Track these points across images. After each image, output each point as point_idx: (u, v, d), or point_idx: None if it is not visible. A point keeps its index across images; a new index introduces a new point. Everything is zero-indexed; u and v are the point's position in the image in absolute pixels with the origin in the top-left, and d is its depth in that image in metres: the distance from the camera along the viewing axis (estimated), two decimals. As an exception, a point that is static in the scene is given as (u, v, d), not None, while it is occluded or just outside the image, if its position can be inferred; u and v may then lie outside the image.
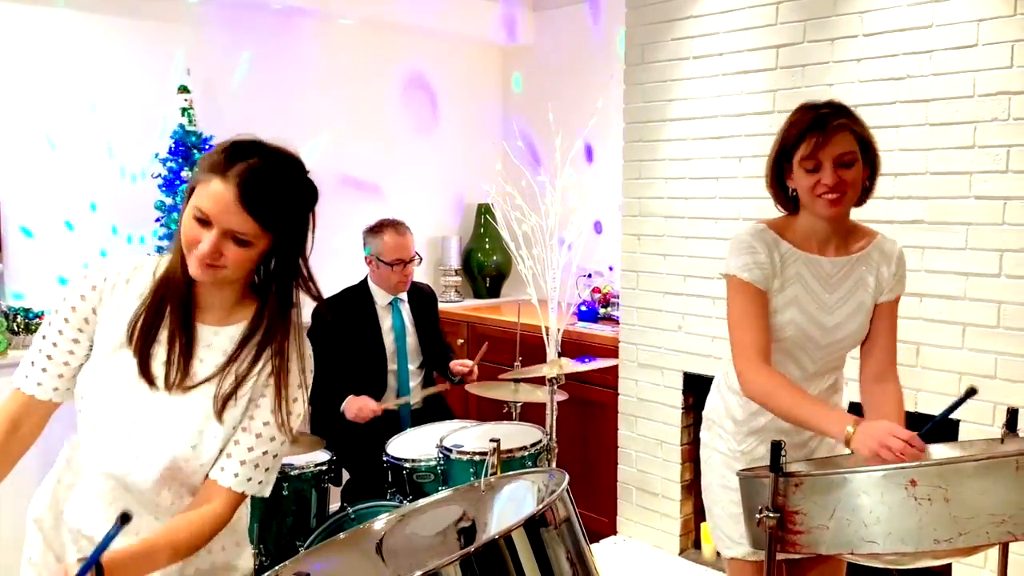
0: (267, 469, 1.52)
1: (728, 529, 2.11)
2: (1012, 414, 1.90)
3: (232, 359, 1.49)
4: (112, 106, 3.55)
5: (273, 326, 1.51)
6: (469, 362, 3.45)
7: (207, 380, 1.48)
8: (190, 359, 1.49)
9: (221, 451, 1.49)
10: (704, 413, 2.24)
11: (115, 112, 3.56)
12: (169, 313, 1.48)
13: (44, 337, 1.51)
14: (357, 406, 3.15)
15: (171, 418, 1.47)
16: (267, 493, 1.54)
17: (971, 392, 1.85)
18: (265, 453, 1.51)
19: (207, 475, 1.50)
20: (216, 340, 1.51)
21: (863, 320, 2.03)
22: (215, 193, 1.39)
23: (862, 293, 2.02)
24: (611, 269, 4.28)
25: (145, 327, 1.47)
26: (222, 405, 1.47)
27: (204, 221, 1.40)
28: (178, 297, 1.48)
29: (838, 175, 1.90)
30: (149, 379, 1.46)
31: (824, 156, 1.89)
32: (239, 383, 1.48)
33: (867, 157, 1.95)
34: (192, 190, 1.43)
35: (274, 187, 1.41)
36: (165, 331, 1.48)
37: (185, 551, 1.44)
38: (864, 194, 2.00)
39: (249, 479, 1.50)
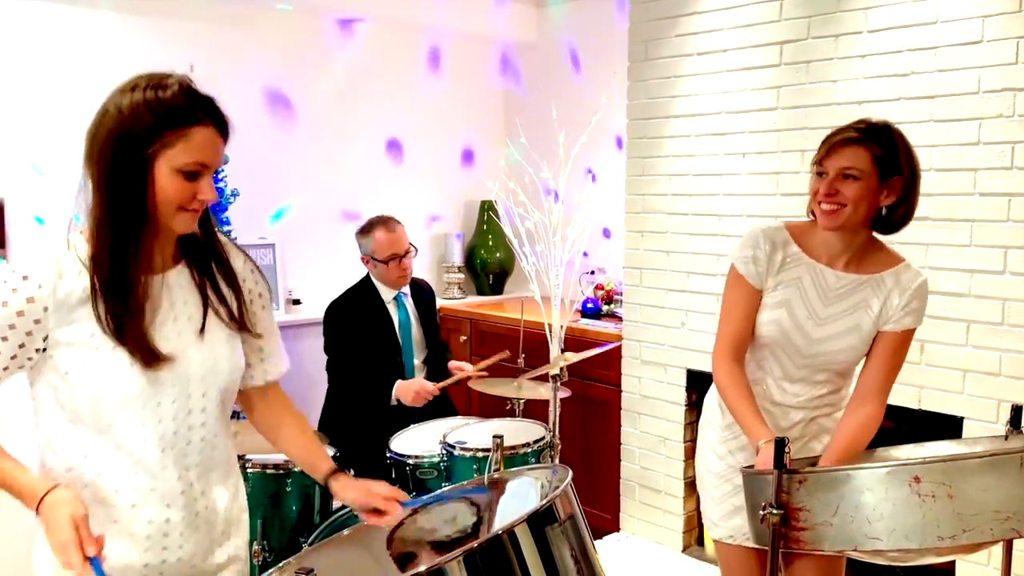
0: (281, 346, 1.73)
1: (709, 511, 2.17)
2: (1016, 411, 1.90)
3: (192, 290, 1.52)
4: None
5: (210, 246, 1.56)
6: (467, 365, 3.45)
7: (210, 316, 1.53)
8: (158, 318, 1.48)
9: (251, 362, 1.64)
10: (704, 402, 2.30)
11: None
12: (125, 293, 1.42)
13: None
14: (414, 389, 3.19)
15: (206, 362, 1.51)
16: (288, 365, 1.74)
17: None
18: (276, 333, 1.70)
19: (255, 385, 1.68)
20: (170, 283, 1.50)
21: (856, 343, 1.97)
22: (205, 140, 1.40)
23: (862, 315, 1.97)
24: (618, 270, 4.27)
25: (116, 320, 1.42)
26: (240, 322, 1.56)
27: (195, 173, 1.40)
28: (133, 274, 1.43)
29: (835, 186, 1.89)
30: (149, 363, 1.45)
31: (829, 165, 1.90)
32: (227, 297, 1.55)
33: (894, 183, 1.90)
34: (142, 157, 1.37)
35: (220, 108, 1.44)
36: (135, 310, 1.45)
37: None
38: (890, 223, 1.96)
39: (282, 363, 1.72)
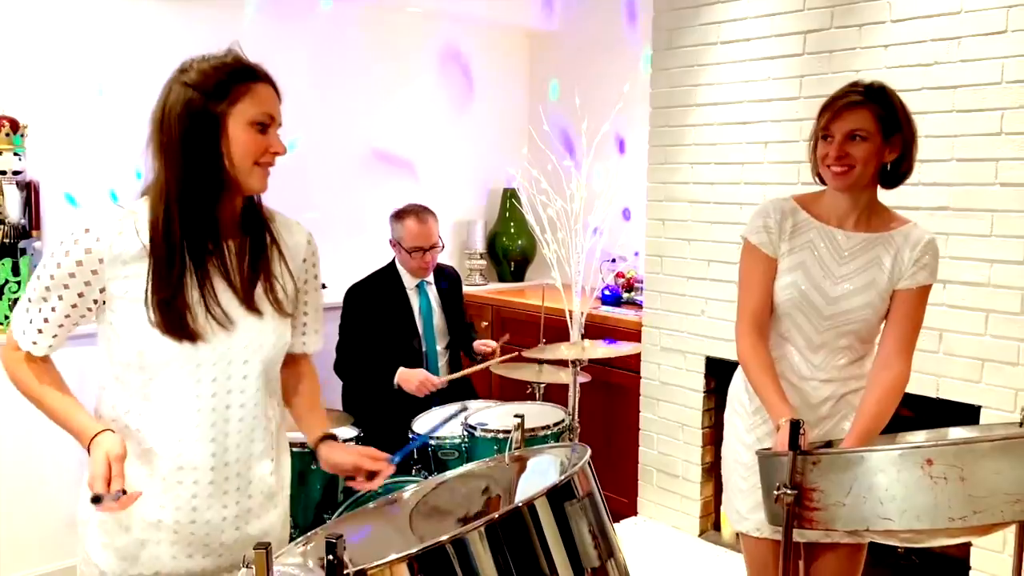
0: (322, 324, 1.83)
1: (737, 503, 2.18)
2: (1032, 398, 1.93)
3: (243, 264, 1.59)
4: (151, 87, 3.62)
5: (264, 221, 1.65)
6: (492, 343, 3.51)
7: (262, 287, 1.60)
8: (213, 289, 1.55)
9: (294, 332, 1.72)
10: (730, 390, 2.30)
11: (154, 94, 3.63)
12: (186, 269, 1.51)
13: (43, 300, 1.53)
14: (418, 379, 3.23)
15: (251, 335, 1.59)
16: (323, 342, 1.85)
17: None
18: (322, 314, 1.81)
19: (294, 352, 1.76)
20: (230, 255, 1.58)
21: (873, 299, 2.02)
22: (268, 95, 1.53)
23: (876, 271, 2.03)
24: (636, 255, 4.30)
25: (170, 302, 1.49)
26: (288, 302, 1.64)
27: (265, 126, 1.52)
28: (202, 247, 1.52)
29: (844, 148, 1.95)
30: (195, 339, 1.52)
31: (836, 129, 1.96)
32: (265, 280, 1.61)
33: (895, 140, 1.98)
34: (218, 117, 1.48)
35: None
36: (195, 277, 1.52)
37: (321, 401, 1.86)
38: (892, 178, 2.04)
39: (319, 340, 1.83)
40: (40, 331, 1.55)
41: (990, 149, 2.72)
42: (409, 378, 3.25)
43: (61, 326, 1.55)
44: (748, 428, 2.16)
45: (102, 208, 1.58)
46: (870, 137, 1.95)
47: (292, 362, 1.79)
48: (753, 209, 2.16)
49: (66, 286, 1.51)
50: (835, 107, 1.96)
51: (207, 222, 1.52)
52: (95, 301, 1.54)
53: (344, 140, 4.34)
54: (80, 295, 1.52)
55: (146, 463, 1.55)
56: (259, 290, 1.60)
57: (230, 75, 1.49)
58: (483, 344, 3.52)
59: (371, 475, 1.71)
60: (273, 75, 1.57)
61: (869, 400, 1.99)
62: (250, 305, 1.58)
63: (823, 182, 2.08)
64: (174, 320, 1.50)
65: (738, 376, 2.24)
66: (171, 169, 1.49)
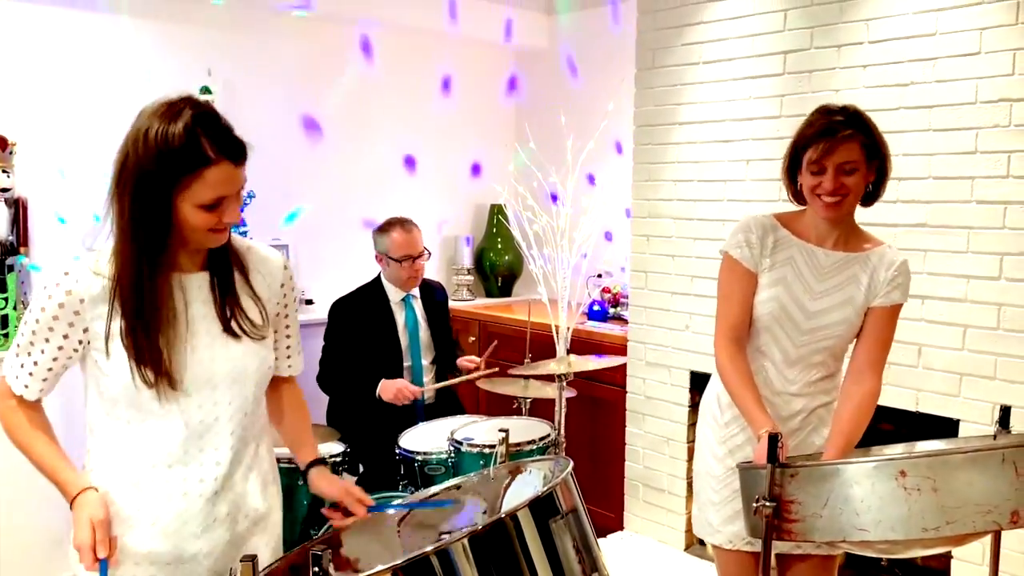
0: (301, 348, 1.86)
1: (710, 515, 2.21)
2: (1005, 411, 1.97)
3: (215, 292, 1.60)
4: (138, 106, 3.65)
5: (233, 250, 1.64)
6: (476, 359, 3.54)
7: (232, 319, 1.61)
8: (189, 321, 1.57)
9: (278, 356, 1.76)
10: (701, 403, 2.33)
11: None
12: (151, 314, 1.51)
13: (31, 346, 1.55)
14: (395, 388, 3.26)
15: (234, 367, 1.61)
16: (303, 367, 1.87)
17: None
18: (299, 339, 1.84)
19: (279, 376, 1.78)
20: (202, 283, 1.59)
21: (850, 315, 2.08)
22: (220, 176, 1.45)
23: (853, 289, 2.08)
24: (623, 270, 4.34)
25: (137, 333, 1.50)
26: (260, 331, 1.64)
27: (216, 205, 1.47)
28: (162, 296, 1.52)
29: (839, 181, 2.00)
30: (163, 377, 1.53)
31: (829, 162, 1.99)
32: (240, 301, 1.62)
33: (874, 164, 2.04)
34: (168, 194, 1.44)
35: (232, 134, 1.49)
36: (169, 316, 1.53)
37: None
38: (870, 198, 2.10)
39: (300, 363, 1.85)
40: (31, 375, 1.58)
41: (966, 167, 2.78)
42: (388, 387, 3.28)
43: (50, 369, 1.58)
44: (720, 440, 2.20)
45: (61, 248, 1.60)
46: (859, 167, 2.00)
47: (278, 385, 1.81)
48: (728, 226, 2.21)
49: (51, 329, 1.53)
50: (827, 142, 1.98)
51: (157, 269, 1.51)
52: (80, 342, 1.55)
53: (328, 156, 4.38)
54: (65, 336, 1.54)
55: (137, 493, 1.57)
56: (234, 319, 1.61)
57: (177, 163, 1.43)
58: (467, 360, 3.55)
59: (348, 512, 1.73)
60: (233, 137, 1.48)
61: (845, 415, 2.04)
62: (230, 333, 1.60)
63: (800, 203, 2.14)
64: (157, 368, 1.52)
65: (710, 389, 2.28)
66: (124, 231, 1.48)
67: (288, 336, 1.79)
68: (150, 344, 1.50)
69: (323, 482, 1.77)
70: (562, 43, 4.83)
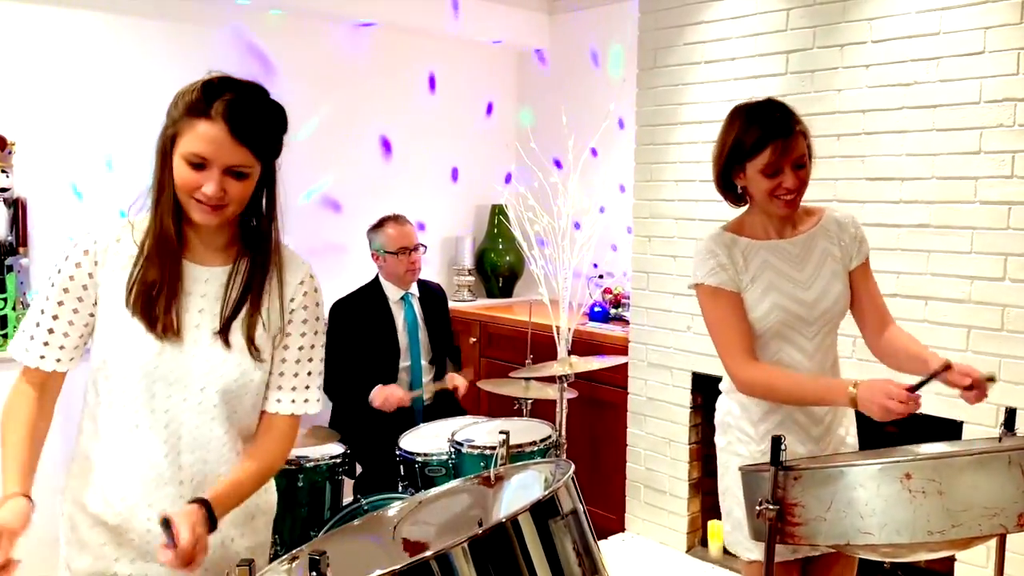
0: (315, 387, 1.67)
1: (744, 532, 2.11)
2: (1010, 413, 1.95)
3: (229, 293, 1.57)
4: (139, 106, 3.64)
5: (264, 252, 1.59)
6: (462, 383, 3.50)
7: (230, 319, 1.56)
8: (185, 302, 1.55)
9: (268, 384, 1.63)
10: (718, 419, 2.24)
11: (149, 117, 3.64)
12: (159, 264, 1.52)
13: (43, 311, 1.54)
14: (384, 395, 3.25)
15: (211, 361, 1.56)
16: (318, 410, 1.68)
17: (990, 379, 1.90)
18: (309, 374, 1.65)
19: (264, 410, 1.64)
20: (212, 278, 1.57)
21: (842, 288, 2.09)
22: (206, 134, 1.44)
23: (832, 263, 2.09)
24: (625, 275, 4.33)
25: (145, 286, 1.51)
26: (250, 338, 1.57)
27: (199, 165, 1.45)
28: (168, 248, 1.52)
29: (797, 176, 1.99)
30: (165, 331, 1.52)
31: (785, 162, 1.97)
32: (248, 313, 1.57)
33: (808, 151, 2.05)
34: (171, 139, 1.47)
35: (256, 114, 1.47)
36: (163, 283, 1.53)
37: (266, 477, 1.62)
38: None
39: (306, 400, 1.66)
40: (46, 344, 1.54)
41: (970, 167, 2.76)
42: (379, 392, 3.28)
43: (66, 335, 1.54)
44: (754, 456, 2.10)
45: (107, 222, 1.60)
46: (808, 160, 2.02)
47: (263, 421, 1.66)
48: (695, 248, 2.16)
49: (66, 290, 1.53)
50: (783, 142, 1.96)
51: (170, 236, 1.52)
52: (95, 305, 1.54)
53: (321, 160, 4.37)
54: (80, 299, 1.53)
55: (111, 466, 1.56)
56: (238, 320, 1.56)
57: (182, 107, 1.47)
58: (452, 379, 3.52)
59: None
60: (251, 117, 1.46)
61: (908, 339, 2.07)
62: (222, 332, 1.55)
63: (738, 205, 2.14)
64: (147, 306, 1.51)
65: (733, 404, 2.17)
66: (152, 178, 1.52)
67: (284, 361, 1.63)
68: (157, 303, 1.51)
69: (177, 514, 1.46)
70: (564, 42, 4.81)
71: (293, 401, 1.65)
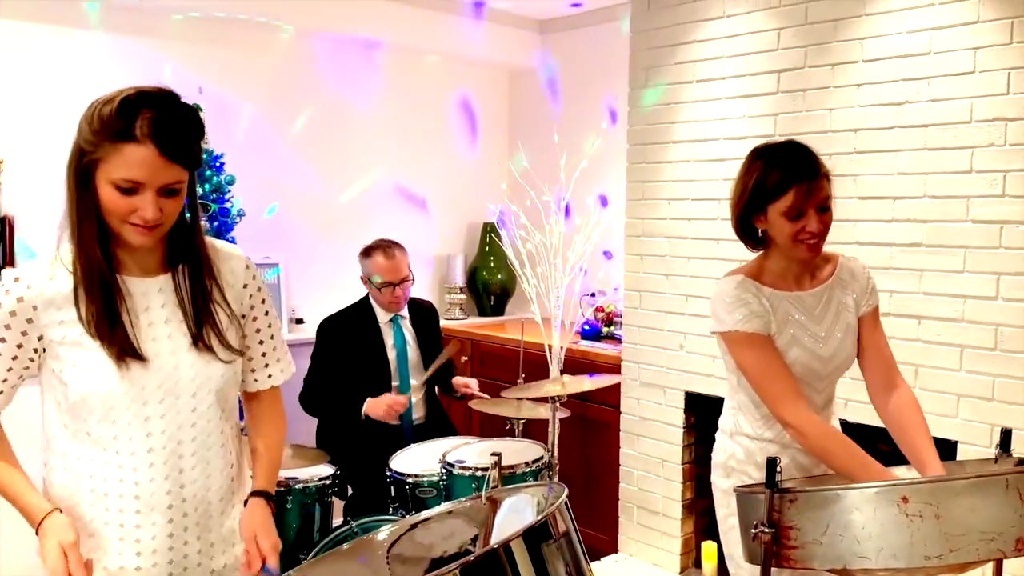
0: (285, 352, 1.75)
1: (741, 557, 2.11)
2: (1006, 435, 1.94)
3: (183, 299, 1.55)
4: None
5: (199, 253, 1.57)
6: (472, 381, 3.50)
7: (196, 326, 1.55)
8: (147, 316, 1.52)
9: (252, 367, 1.69)
10: (718, 461, 2.19)
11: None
12: (100, 295, 1.47)
13: None
14: (386, 403, 3.21)
15: (197, 371, 1.55)
16: (293, 370, 1.78)
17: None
18: (279, 344, 1.73)
19: (255, 390, 1.72)
20: (162, 287, 1.54)
21: (852, 341, 2.08)
22: (136, 158, 1.37)
23: (846, 316, 2.06)
24: (616, 290, 4.32)
25: (97, 317, 1.47)
26: (217, 337, 1.57)
27: (131, 189, 1.40)
28: (101, 279, 1.47)
29: (821, 220, 1.95)
30: (133, 352, 1.49)
31: (809, 205, 1.93)
32: (213, 312, 1.57)
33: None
34: (91, 164, 1.40)
35: (180, 127, 1.41)
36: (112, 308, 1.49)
37: (283, 444, 1.78)
38: None
39: (282, 370, 1.75)
40: None
41: (961, 187, 2.76)
42: (377, 405, 3.23)
43: (4, 380, 1.51)
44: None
45: (34, 259, 1.54)
46: (830, 200, 1.98)
47: (255, 399, 1.75)
48: (730, 245, 2.18)
49: (2, 339, 1.48)
50: (808, 184, 1.91)
51: (114, 257, 1.48)
52: (35, 351, 1.50)
53: (326, 179, 4.35)
54: (19, 346, 1.49)
55: (103, 510, 1.53)
56: (209, 322, 1.56)
57: (101, 130, 1.39)
58: (463, 383, 3.51)
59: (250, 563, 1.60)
60: (177, 133, 1.41)
61: (919, 428, 1.97)
62: (194, 337, 1.54)
63: (757, 249, 2.08)
64: (110, 346, 1.47)
65: (732, 446, 2.14)
66: (67, 210, 1.47)
67: (261, 343, 1.69)
68: (113, 329, 1.47)
69: (244, 515, 1.63)
70: (555, 61, 4.83)
71: (281, 371, 1.75)
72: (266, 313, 1.69)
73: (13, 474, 1.52)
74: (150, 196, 1.41)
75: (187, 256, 1.56)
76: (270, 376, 1.73)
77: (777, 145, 2.03)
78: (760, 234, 2.04)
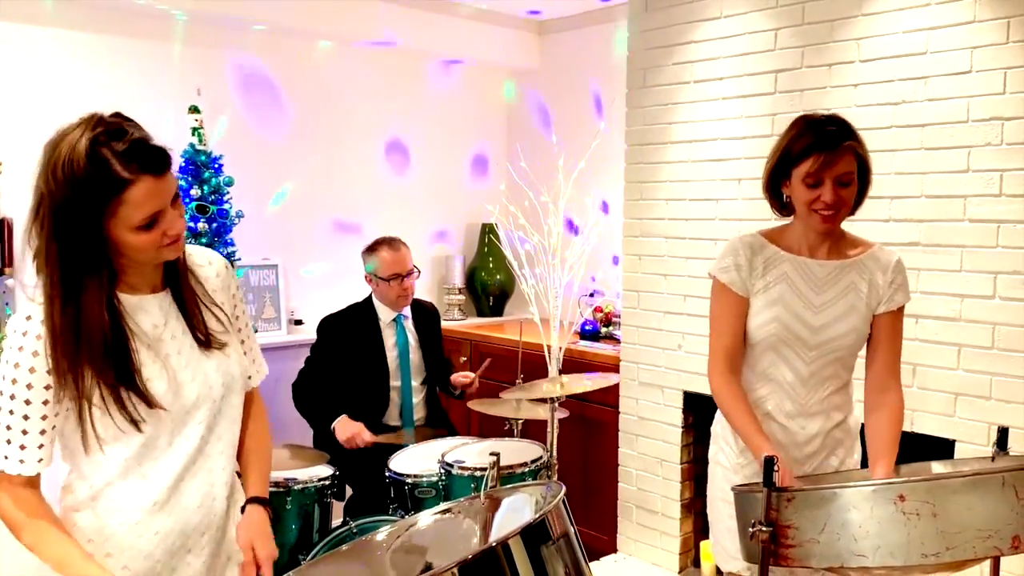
0: (258, 350, 1.76)
1: (726, 543, 2.14)
2: (1003, 433, 1.94)
3: (183, 310, 1.55)
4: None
5: (184, 261, 1.57)
6: (471, 374, 3.50)
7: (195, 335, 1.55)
8: (158, 333, 1.51)
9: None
10: (712, 428, 2.28)
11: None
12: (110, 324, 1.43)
13: (12, 413, 1.41)
14: (351, 432, 3.15)
15: (203, 382, 1.55)
16: (267, 371, 1.78)
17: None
18: (251, 342, 1.73)
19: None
20: (164, 303, 1.53)
21: (856, 324, 2.04)
22: (146, 194, 1.35)
23: (853, 297, 2.05)
24: (618, 296, 4.32)
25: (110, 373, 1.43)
26: (210, 339, 1.57)
27: (153, 221, 1.39)
28: (120, 324, 1.44)
29: (837, 193, 1.96)
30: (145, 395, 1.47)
31: (828, 175, 1.95)
32: (208, 318, 1.57)
33: (862, 175, 2.01)
34: (98, 225, 1.35)
35: (144, 141, 1.38)
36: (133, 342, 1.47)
37: (271, 450, 1.77)
38: (857, 205, 2.07)
39: (258, 371, 1.76)
40: (23, 447, 1.42)
41: (958, 186, 2.77)
42: (345, 428, 3.16)
43: (43, 432, 1.43)
44: (735, 468, 2.13)
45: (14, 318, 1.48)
46: (854, 178, 1.98)
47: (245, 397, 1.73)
48: (720, 245, 2.17)
49: (29, 386, 1.40)
50: (827, 154, 1.94)
51: (105, 304, 1.41)
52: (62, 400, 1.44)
53: (323, 181, 4.36)
54: (47, 387, 1.41)
55: (118, 529, 1.51)
56: (203, 331, 1.55)
57: (94, 191, 1.32)
58: (462, 376, 3.51)
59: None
60: (146, 147, 1.37)
61: (886, 429, 2.01)
62: (203, 347, 1.55)
63: (784, 214, 2.11)
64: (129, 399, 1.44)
65: (720, 417, 2.21)
66: (50, 271, 1.38)
67: (243, 341, 1.69)
68: (130, 382, 1.42)
69: (242, 523, 1.60)
70: (554, 62, 4.83)
71: (257, 372, 1.75)
72: (244, 312, 1.70)
73: (66, 547, 1.43)
74: (170, 216, 1.42)
75: (175, 267, 1.55)
76: (249, 377, 1.71)
77: (818, 116, 2.05)
78: (786, 199, 2.06)
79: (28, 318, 1.42)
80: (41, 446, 1.44)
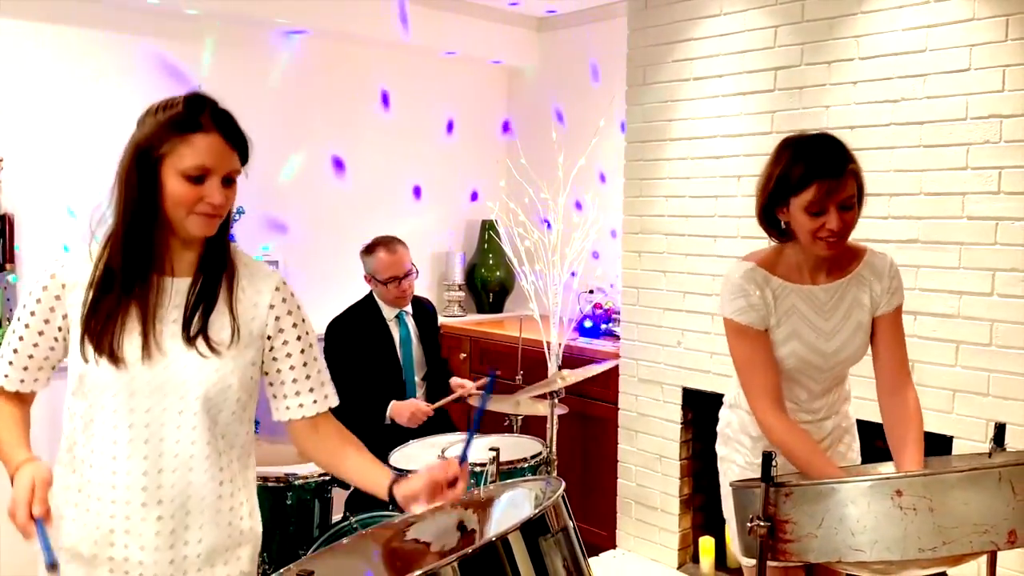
0: (328, 381, 1.73)
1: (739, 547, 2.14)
2: (1000, 429, 1.96)
3: (198, 301, 1.56)
4: (124, 121, 3.63)
5: (225, 256, 1.60)
6: (468, 383, 3.50)
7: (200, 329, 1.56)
8: (160, 314, 1.54)
9: (284, 392, 1.66)
10: (719, 428, 2.27)
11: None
12: (136, 289, 1.52)
13: (13, 332, 1.58)
14: (408, 411, 3.23)
15: (186, 370, 1.55)
16: (333, 403, 1.74)
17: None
18: (319, 371, 1.69)
19: (299, 417, 1.67)
20: (182, 288, 1.57)
21: (863, 338, 2.06)
22: (207, 146, 1.48)
23: (858, 313, 2.05)
24: (612, 287, 4.33)
25: (104, 312, 1.51)
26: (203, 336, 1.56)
27: (200, 178, 1.48)
28: (142, 270, 1.52)
29: (842, 219, 1.91)
30: (119, 358, 1.51)
31: (831, 202, 1.90)
32: (217, 317, 1.57)
33: (859, 191, 1.98)
34: (153, 162, 1.48)
35: (234, 121, 1.54)
36: (132, 309, 1.52)
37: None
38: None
39: (315, 400, 1.68)
40: (10, 363, 1.57)
41: (957, 183, 2.77)
42: (401, 410, 3.25)
43: (31, 357, 1.57)
44: (750, 464, 2.12)
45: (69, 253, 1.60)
46: (855, 199, 1.95)
47: (313, 430, 1.71)
48: (727, 242, 2.18)
49: (32, 313, 1.55)
50: (831, 182, 1.88)
51: (143, 258, 1.52)
52: (60, 329, 1.55)
53: (321, 174, 4.36)
54: (46, 321, 1.55)
55: (87, 496, 1.54)
56: (201, 329, 1.56)
57: (168, 125, 1.48)
58: (458, 383, 3.52)
59: (452, 483, 1.61)
60: (235, 123, 1.54)
61: (910, 427, 1.98)
62: (190, 341, 1.55)
63: (779, 240, 2.05)
64: (100, 342, 1.51)
65: (732, 415, 2.20)
66: (116, 205, 1.53)
67: (292, 368, 1.65)
68: (104, 331, 1.50)
69: (409, 489, 1.64)
70: (553, 59, 4.84)
71: (315, 402, 1.68)
72: (298, 338, 1.65)
73: (8, 431, 1.55)
74: (216, 182, 1.49)
75: (214, 262, 1.59)
76: (301, 405, 1.67)
77: (807, 138, 1.99)
78: (784, 226, 2.01)
79: (56, 260, 1.57)
80: (25, 368, 1.58)
